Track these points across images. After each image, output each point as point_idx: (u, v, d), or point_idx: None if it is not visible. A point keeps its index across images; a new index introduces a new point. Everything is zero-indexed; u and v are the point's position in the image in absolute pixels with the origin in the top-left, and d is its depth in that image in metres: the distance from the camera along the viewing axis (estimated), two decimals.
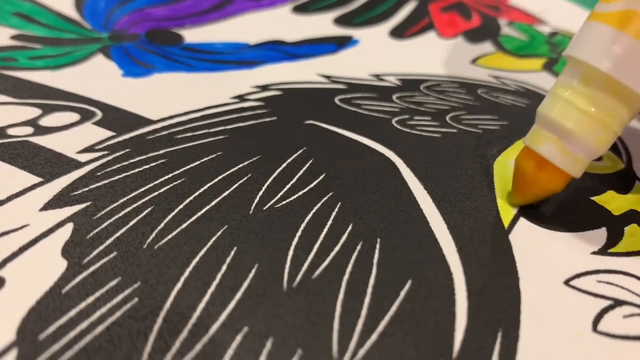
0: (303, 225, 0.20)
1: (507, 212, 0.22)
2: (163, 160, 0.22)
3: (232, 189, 0.21)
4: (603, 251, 0.21)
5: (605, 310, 0.19)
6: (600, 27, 0.20)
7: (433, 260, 0.19)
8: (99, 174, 0.21)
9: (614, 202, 0.23)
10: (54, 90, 0.26)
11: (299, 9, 0.36)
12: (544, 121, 0.21)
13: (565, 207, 0.23)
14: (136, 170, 0.22)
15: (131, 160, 0.22)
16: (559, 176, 0.21)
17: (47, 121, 0.24)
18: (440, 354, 0.17)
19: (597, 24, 0.20)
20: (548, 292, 0.19)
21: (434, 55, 0.32)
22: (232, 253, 0.19)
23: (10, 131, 0.23)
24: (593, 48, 0.20)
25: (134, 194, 0.21)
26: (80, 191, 0.21)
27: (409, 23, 0.36)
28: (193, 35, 0.32)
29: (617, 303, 0.19)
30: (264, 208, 0.21)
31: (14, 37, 0.29)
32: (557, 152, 0.20)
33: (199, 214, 0.20)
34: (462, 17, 0.37)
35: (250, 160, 0.23)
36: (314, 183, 0.22)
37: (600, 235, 0.21)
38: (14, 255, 0.18)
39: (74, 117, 0.24)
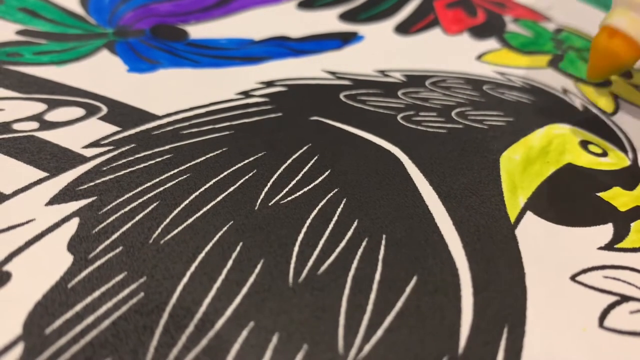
0: (309, 221, 0.20)
1: (513, 207, 0.22)
2: (168, 156, 0.22)
3: (237, 184, 0.21)
4: (610, 247, 0.21)
5: (611, 306, 0.18)
6: None
7: (439, 256, 0.19)
8: (104, 168, 0.21)
9: (620, 198, 0.23)
10: (59, 85, 0.26)
11: (304, 5, 0.36)
12: (617, 1, 0.23)
13: (571, 203, 0.22)
14: (142, 165, 0.22)
15: (137, 156, 0.22)
16: (629, 45, 0.23)
17: (53, 116, 0.24)
18: (446, 349, 0.17)
19: None
20: (554, 288, 0.19)
21: (439, 52, 0.32)
22: (238, 248, 0.19)
23: (16, 126, 0.23)
24: None
25: (139, 189, 0.21)
26: (85, 186, 0.21)
27: (414, 19, 0.35)
28: (198, 31, 0.32)
29: (624, 299, 0.19)
30: (270, 204, 0.21)
31: (19, 33, 0.29)
32: (624, 20, 0.23)
33: (205, 209, 0.20)
34: (467, 13, 0.37)
35: (256, 156, 0.23)
36: (320, 179, 0.22)
37: (606, 230, 0.21)
38: (20, 250, 0.18)
39: (80, 112, 0.24)
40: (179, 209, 0.20)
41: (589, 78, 0.25)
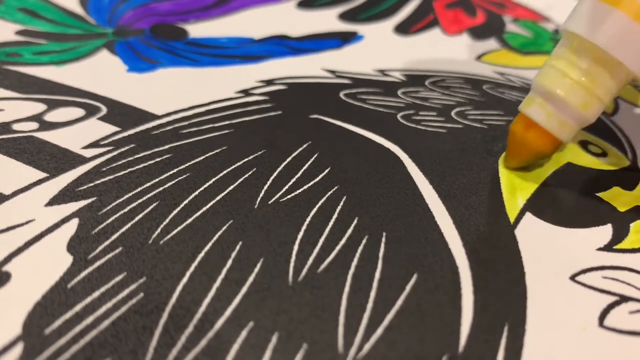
0: (308, 219, 0.20)
1: (513, 207, 0.22)
2: (168, 155, 0.22)
3: (237, 183, 0.21)
4: (609, 247, 0.21)
5: (611, 306, 0.18)
6: (595, 3, 0.21)
7: (439, 254, 0.19)
8: (104, 169, 0.21)
9: (619, 198, 0.23)
10: (59, 85, 0.26)
11: (304, 4, 0.36)
12: (535, 86, 0.23)
13: (570, 203, 0.22)
14: (141, 165, 0.22)
15: (136, 156, 0.22)
16: (546, 138, 0.22)
17: (52, 116, 0.24)
18: (446, 348, 0.17)
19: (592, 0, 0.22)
20: (554, 287, 0.19)
21: (439, 52, 0.32)
22: (238, 247, 0.19)
23: (15, 126, 0.23)
24: (588, 22, 0.21)
25: (139, 189, 0.21)
26: (85, 186, 0.21)
27: (413, 19, 0.35)
28: (198, 30, 0.32)
29: (623, 299, 0.19)
30: (269, 202, 0.21)
31: (18, 33, 0.29)
32: (542, 113, 0.22)
33: (204, 208, 0.20)
34: (467, 13, 0.37)
35: (255, 155, 0.23)
36: (319, 177, 0.22)
37: (606, 231, 0.21)
38: (19, 250, 0.18)
39: (79, 112, 0.24)
40: (178, 208, 0.20)
41: (507, 165, 0.24)
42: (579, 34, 0.21)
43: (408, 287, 0.18)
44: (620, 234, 0.21)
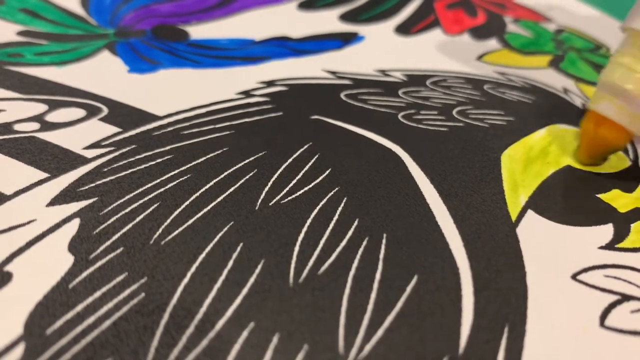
0: (309, 220, 0.20)
1: (514, 206, 0.22)
2: (169, 156, 0.22)
3: (238, 184, 0.21)
4: (610, 246, 0.21)
5: (612, 305, 0.18)
6: None
7: (439, 255, 0.19)
8: (105, 169, 0.21)
9: (620, 199, 0.23)
10: (60, 86, 0.26)
11: (305, 5, 0.36)
12: (602, 84, 0.24)
13: (571, 205, 0.22)
14: (142, 166, 0.22)
15: (137, 156, 0.22)
16: (618, 132, 0.23)
17: (54, 117, 0.24)
18: (447, 349, 0.17)
19: None
20: (555, 287, 0.19)
21: (440, 52, 0.32)
22: (239, 249, 0.19)
23: (17, 127, 0.23)
24: None
25: (140, 189, 0.21)
26: (86, 187, 0.21)
27: (414, 20, 0.35)
28: (199, 31, 0.32)
29: (625, 298, 0.19)
30: (270, 204, 0.21)
31: (20, 33, 0.29)
32: (612, 108, 0.23)
33: (205, 209, 0.20)
34: (468, 14, 0.37)
35: (256, 156, 0.23)
36: (320, 178, 0.22)
37: (607, 231, 0.21)
38: (21, 250, 0.18)
39: (80, 113, 0.24)
40: (179, 209, 0.20)
41: (580, 161, 0.25)
42: None
43: (408, 289, 0.18)
44: (621, 233, 0.21)
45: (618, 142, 0.24)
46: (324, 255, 0.19)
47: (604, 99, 0.23)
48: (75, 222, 0.19)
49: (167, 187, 0.21)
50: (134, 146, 0.23)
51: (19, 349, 0.15)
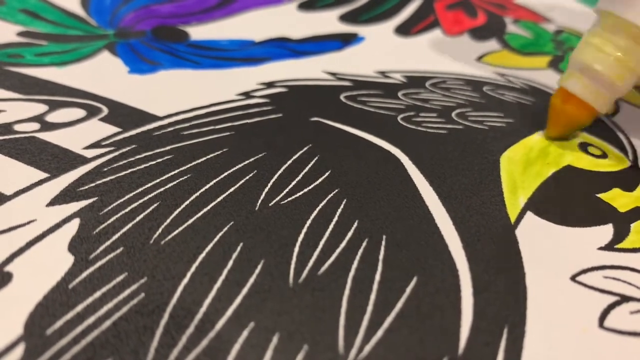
0: (309, 221, 0.20)
1: (514, 206, 0.22)
2: (169, 157, 0.22)
3: (238, 185, 0.21)
4: (610, 247, 0.21)
5: (611, 306, 0.18)
6: None
7: (439, 256, 0.19)
8: (105, 169, 0.21)
9: (620, 199, 0.23)
10: (60, 86, 0.26)
11: (305, 6, 0.36)
12: (572, 62, 0.25)
13: (571, 204, 0.22)
14: (142, 166, 0.22)
15: (137, 156, 0.22)
16: (583, 108, 0.25)
17: (54, 117, 0.24)
18: (446, 350, 0.17)
19: None
20: (554, 288, 0.19)
21: (440, 53, 0.32)
22: (239, 249, 0.19)
23: (17, 127, 0.23)
24: (621, 1, 0.23)
25: (140, 189, 0.21)
26: (86, 187, 0.21)
27: (414, 20, 0.35)
28: (199, 32, 0.32)
29: (624, 299, 0.19)
30: (270, 204, 0.21)
31: (20, 34, 0.29)
32: (578, 85, 0.24)
33: (205, 209, 0.20)
34: (468, 14, 0.37)
35: (256, 157, 0.23)
36: (320, 180, 0.22)
37: (606, 231, 0.21)
38: (21, 251, 0.18)
39: (80, 113, 0.24)
40: (179, 209, 0.20)
41: (548, 135, 0.26)
42: (613, 12, 0.23)
43: (408, 290, 0.18)
44: (621, 233, 0.21)
45: (583, 118, 0.25)
46: (324, 256, 0.19)
47: (573, 76, 0.25)
48: (75, 222, 0.19)
49: (167, 187, 0.21)
50: (134, 146, 0.23)
51: (19, 349, 0.15)
